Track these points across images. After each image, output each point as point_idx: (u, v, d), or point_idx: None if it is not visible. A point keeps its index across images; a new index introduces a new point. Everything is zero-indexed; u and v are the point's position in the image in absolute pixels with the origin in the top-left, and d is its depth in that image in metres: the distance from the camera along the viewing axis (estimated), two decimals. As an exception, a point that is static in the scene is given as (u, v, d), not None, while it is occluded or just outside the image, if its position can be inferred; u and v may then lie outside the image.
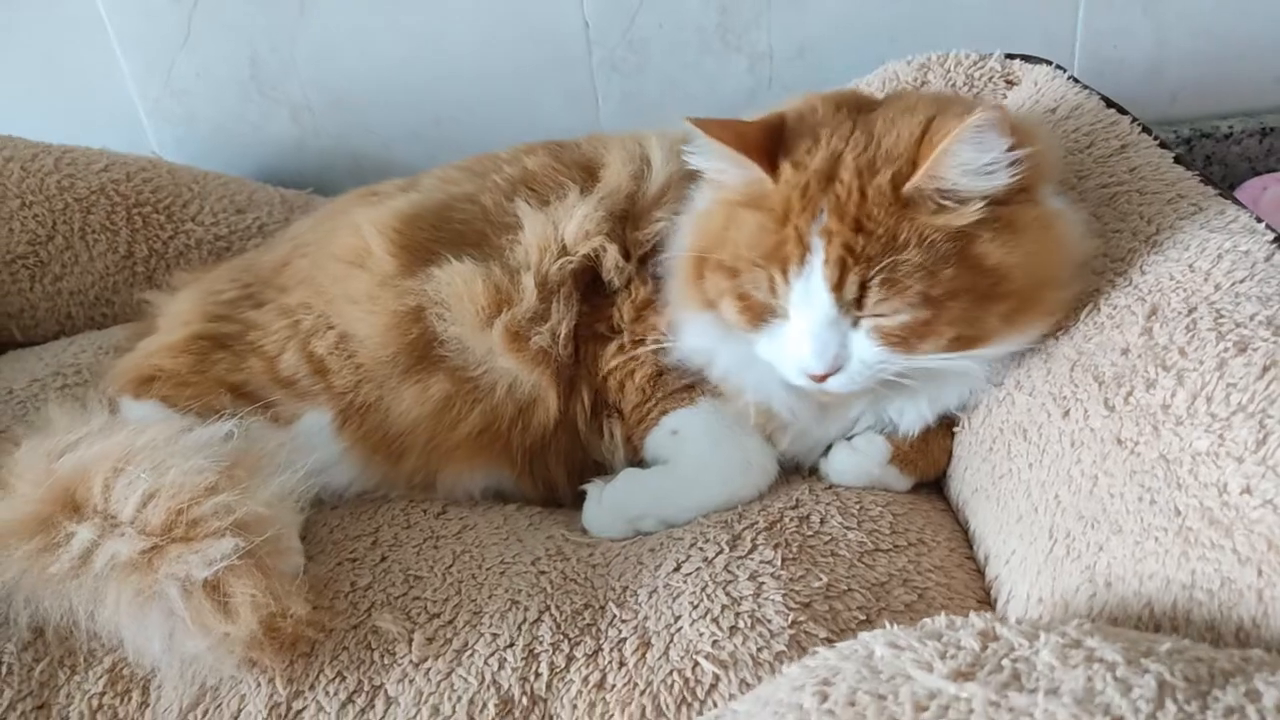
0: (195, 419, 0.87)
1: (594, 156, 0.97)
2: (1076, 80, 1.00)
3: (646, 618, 0.72)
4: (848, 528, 0.79)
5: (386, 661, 0.72)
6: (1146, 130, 0.90)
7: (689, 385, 0.88)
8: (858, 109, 0.79)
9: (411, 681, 0.70)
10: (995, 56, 1.10)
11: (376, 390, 0.89)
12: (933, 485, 0.88)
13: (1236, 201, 0.78)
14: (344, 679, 0.71)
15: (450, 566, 0.79)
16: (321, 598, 0.76)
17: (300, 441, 0.89)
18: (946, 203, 0.71)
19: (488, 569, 0.79)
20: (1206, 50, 1.29)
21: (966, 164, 0.70)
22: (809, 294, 0.73)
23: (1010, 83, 1.08)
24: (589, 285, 0.91)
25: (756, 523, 0.79)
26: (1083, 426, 0.70)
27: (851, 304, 0.73)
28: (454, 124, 1.39)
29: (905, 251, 0.70)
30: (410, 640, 0.73)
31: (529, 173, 0.96)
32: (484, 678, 0.70)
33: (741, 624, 0.70)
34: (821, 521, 0.80)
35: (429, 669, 0.71)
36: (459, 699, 0.69)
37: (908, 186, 0.71)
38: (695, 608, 0.72)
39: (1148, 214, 0.80)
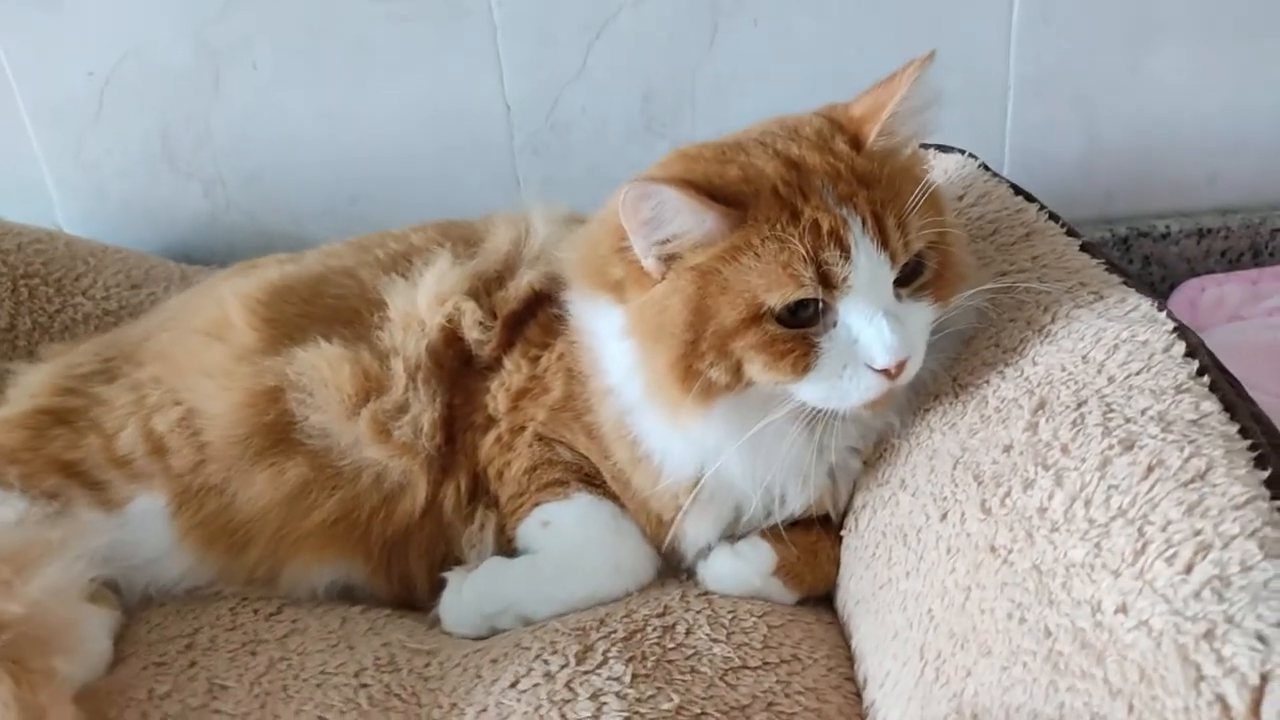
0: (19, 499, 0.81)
1: (481, 230, 0.92)
2: (987, 168, 0.96)
3: (468, 742, 0.63)
4: (715, 640, 0.70)
5: (165, 785, 0.62)
6: (1054, 218, 0.85)
7: (563, 480, 0.80)
8: (722, 147, 0.73)
9: (187, 812, 0.61)
10: (910, 145, 1.06)
11: (223, 473, 0.81)
12: (823, 595, 0.80)
13: (1141, 289, 0.72)
14: (110, 805, 0.61)
15: (263, 675, 0.70)
16: (109, 706, 0.67)
17: (129, 529, 0.82)
18: (898, 148, 0.72)
19: (303, 680, 0.70)
20: (1139, 147, 1.25)
21: (914, 101, 0.70)
22: (870, 265, 0.66)
23: (924, 170, 1.04)
24: (460, 368, 0.84)
25: (615, 631, 0.71)
26: (959, 531, 0.62)
27: (901, 253, 0.67)
28: (370, 203, 1.35)
29: (906, 189, 0.68)
30: (197, 761, 0.63)
31: (412, 247, 0.91)
32: (269, 810, 0.60)
33: (571, 752, 0.61)
34: (687, 632, 0.71)
35: (208, 796, 0.61)
36: (235, 835, 0.59)
37: (873, 135, 0.70)
38: (525, 731, 0.63)
39: (1044, 302, 0.74)
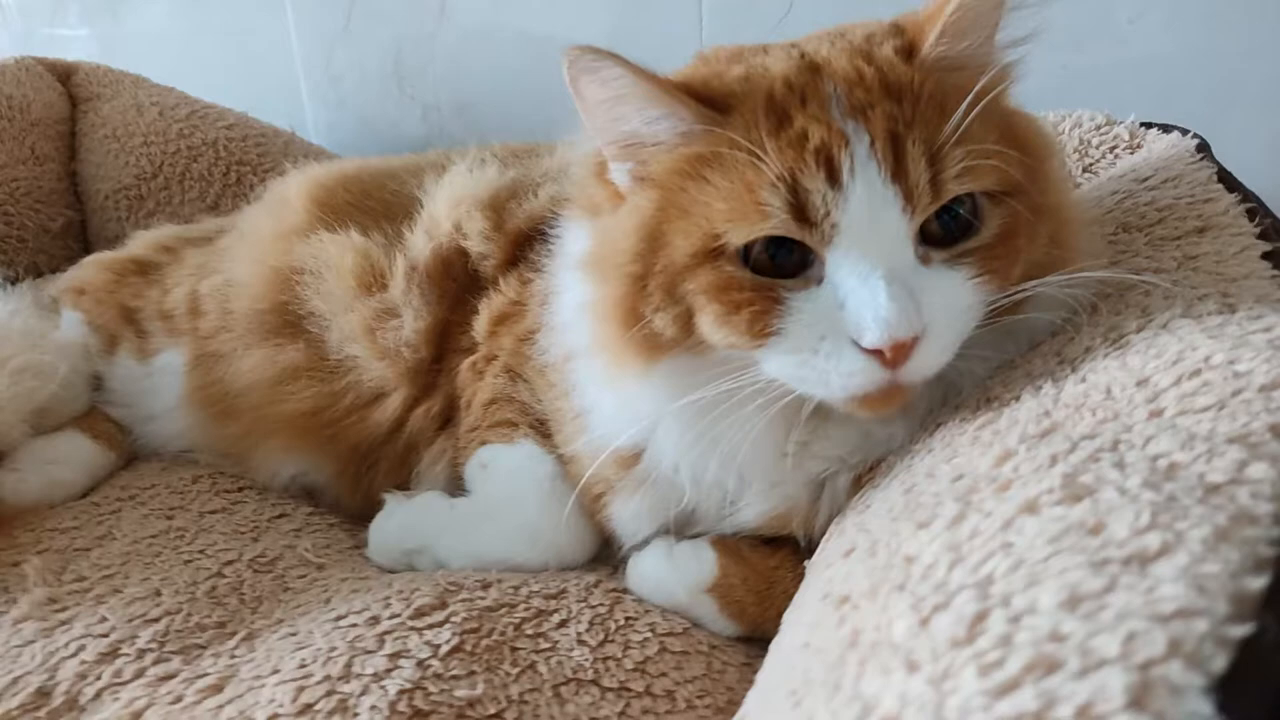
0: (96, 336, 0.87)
1: (547, 150, 0.84)
2: (1202, 149, 0.69)
3: (250, 661, 0.56)
4: (581, 642, 0.56)
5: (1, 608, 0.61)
6: (1253, 214, 0.59)
7: (513, 422, 0.70)
8: (744, 48, 0.57)
9: (-6, 638, 0.59)
10: (1126, 123, 0.80)
11: (234, 342, 0.81)
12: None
13: (1309, 311, 0.47)
14: (-52, 609, 0.61)
15: (149, 538, 0.68)
16: (20, 527, 0.69)
17: (151, 379, 0.85)
18: (963, 61, 0.52)
19: (177, 553, 0.67)
20: None
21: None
22: (870, 201, 0.48)
23: (1133, 149, 0.78)
24: (469, 284, 0.77)
25: (483, 599, 0.59)
26: (845, 574, 0.43)
27: (925, 194, 0.49)
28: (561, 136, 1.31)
29: (954, 110, 0.49)
30: (32, 594, 0.62)
31: (489, 154, 0.85)
32: (49, 660, 0.57)
33: (323, 707, 0.50)
34: (560, 624, 0.58)
35: (18, 629, 0.60)
36: (6, 673, 0.56)
37: (932, 37, 0.51)
38: (301, 668, 0.53)
39: (1153, 307, 0.50)
